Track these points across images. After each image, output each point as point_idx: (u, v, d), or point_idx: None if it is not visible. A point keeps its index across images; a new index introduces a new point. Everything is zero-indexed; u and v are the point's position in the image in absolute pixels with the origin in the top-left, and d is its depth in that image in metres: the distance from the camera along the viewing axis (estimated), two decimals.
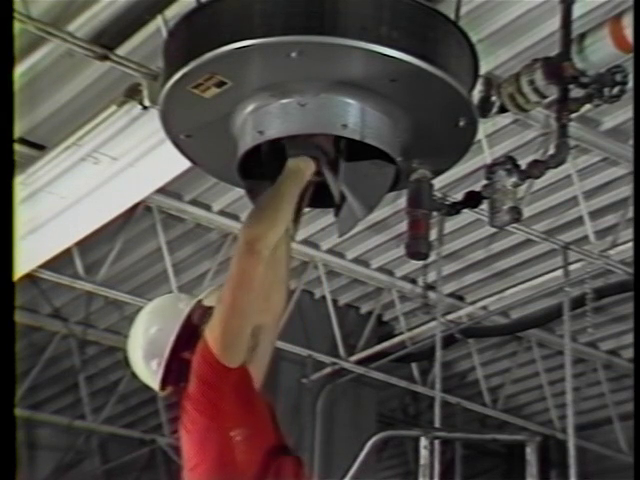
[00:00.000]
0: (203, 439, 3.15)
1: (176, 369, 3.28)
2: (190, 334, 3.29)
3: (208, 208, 8.49)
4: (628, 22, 3.91)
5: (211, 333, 3.11)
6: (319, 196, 3.31)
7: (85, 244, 8.01)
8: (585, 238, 8.00)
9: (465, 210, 3.57)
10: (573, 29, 3.80)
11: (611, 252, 7.93)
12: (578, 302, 8.55)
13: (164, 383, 3.32)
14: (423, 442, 5.07)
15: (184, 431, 3.23)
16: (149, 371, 3.33)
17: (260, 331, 3.30)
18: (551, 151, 3.67)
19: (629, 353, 10.28)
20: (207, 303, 3.43)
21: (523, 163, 3.51)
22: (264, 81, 3.17)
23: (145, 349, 3.33)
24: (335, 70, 3.11)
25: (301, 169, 3.21)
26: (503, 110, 3.88)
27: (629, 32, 3.89)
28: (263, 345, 3.34)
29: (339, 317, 9.69)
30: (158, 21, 5.90)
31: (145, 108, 5.89)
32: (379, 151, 3.22)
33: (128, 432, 11.53)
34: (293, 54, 3.02)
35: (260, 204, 3.19)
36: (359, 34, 3.02)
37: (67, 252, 7.90)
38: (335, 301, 9.78)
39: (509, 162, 3.46)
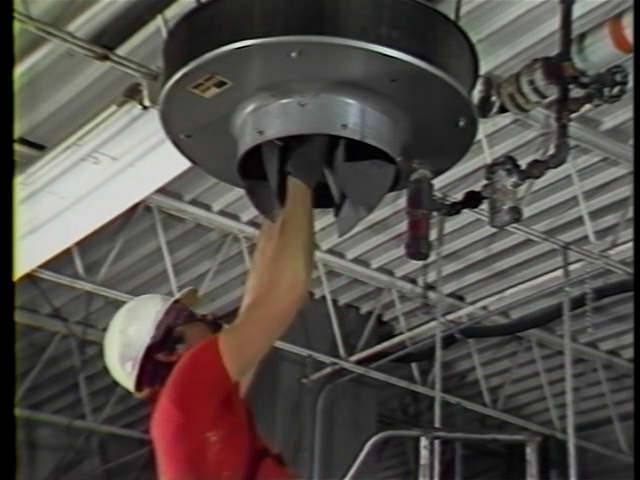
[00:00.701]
0: (176, 436, 3.09)
1: (150, 371, 3.25)
2: (166, 336, 3.26)
3: (208, 208, 8.50)
4: (628, 22, 3.90)
5: (231, 341, 3.05)
6: (319, 196, 3.31)
7: (85, 244, 8.02)
8: (585, 238, 8.00)
9: (465, 210, 3.57)
10: (573, 29, 3.80)
11: (611, 252, 7.93)
12: (578, 302, 8.55)
13: (139, 385, 3.29)
14: (423, 442, 5.07)
15: (157, 428, 3.18)
16: (124, 373, 3.30)
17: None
18: (551, 151, 3.66)
19: (629, 353, 10.28)
20: (183, 304, 3.40)
21: (523, 163, 3.51)
22: (264, 81, 3.17)
23: (120, 351, 3.29)
24: (335, 70, 3.11)
25: (305, 190, 3.18)
26: (503, 110, 3.88)
27: (629, 32, 3.88)
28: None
29: (339, 317, 9.69)
30: (158, 21, 5.90)
31: (145, 108, 5.89)
32: (379, 151, 3.22)
33: (128, 432, 11.53)
34: (293, 54, 3.01)
35: (300, 241, 3.08)
36: (359, 34, 3.02)
37: (67, 252, 7.90)
38: (335, 301, 9.78)
39: (509, 162, 3.45)
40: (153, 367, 3.25)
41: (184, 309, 3.37)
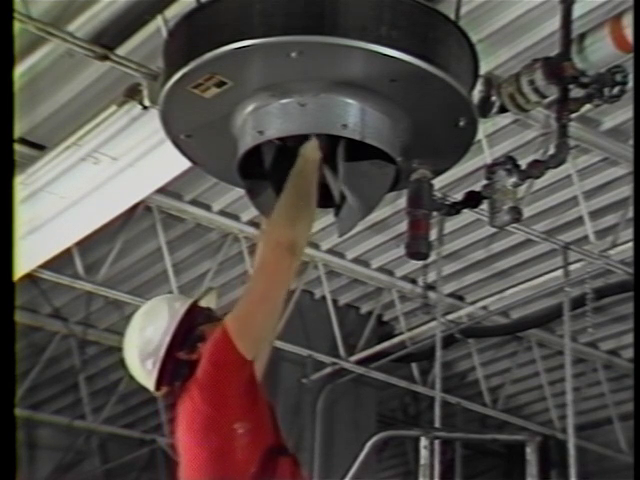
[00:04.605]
0: (205, 429, 3.14)
1: (171, 369, 3.27)
2: (186, 334, 3.28)
3: (208, 208, 8.49)
4: (628, 22, 3.91)
5: (235, 323, 3.11)
6: (319, 196, 3.31)
7: (85, 244, 8.01)
8: (585, 238, 8.00)
9: (465, 210, 3.58)
10: (573, 29, 3.80)
11: (611, 252, 7.93)
12: (578, 302, 8.54)
13: (159, 383, 3.31)
14: (423, 442, 5.07)
15: (184, 422, 3.22)
16: (144, 371, 3.32)
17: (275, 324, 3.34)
18: (551, 151, 3.67)
19: (629, 353, 10.28)
20: (203, 304, 3.43)
21: (523, 163, 3.51)
22: (264, 81, 3.17)
23: (141, 349, 3.32)
24: (335, 70, 3.12)
25: (314, 155, 3.22)
26: (503, 110, 3.88)
27: (629, 32, 3.89)
28: (264, 346, 3.35)
29: (339, 317, 9.69)
30: (158, 21, 5.90)
31: (145, 108, 5.89)
32: (379, 151, 3.22)
33: (128, 432, 11.53)
34: (293, 54, 3.02)
35: (289, 201, 3.16)
36: (359, 34, 3.02)
37: (67, 252, 7.90)
38: (335, 301, 9.78)
39: (509, 162, 3.46)
40: (174, 365, 3.27)
41: (204, 308, 3.40)
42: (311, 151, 3.23)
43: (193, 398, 3.18)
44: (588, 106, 3.68)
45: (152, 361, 3.28)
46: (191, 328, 3.30)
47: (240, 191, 3.57)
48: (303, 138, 3.24)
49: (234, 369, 3.10)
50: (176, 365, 3.26)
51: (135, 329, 3.38)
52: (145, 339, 3.32)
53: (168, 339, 3.27)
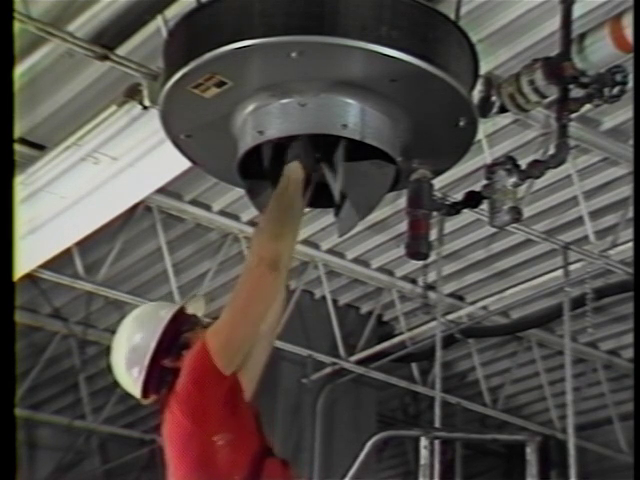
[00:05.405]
0: (185, 442, 3.14)
1: (157, 376, 3.26)
2: (172, 342, 3.27)
3: (208, 208, 8.49)
4: (628, 22, 3.91)
5: (215, 339, 3.08)
6: (319, 196, 3.31)
7: (85, 244, 8.01)
8: (585, 238, 8.00)
9: (465, 210, 3.58)
10: (573, 29, 3.80)
11: (611, 252, 7.93)
12: (578, 302, 8.54)
13: (145, 391, 3.30)
14: (423, 442, 5.08)
15: (166, 434, 3.22)
16: (131, 379, 3.31)
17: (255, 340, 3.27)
18: (551, 151, 3.67)
19: (629, 353, 10.28)
20: (189, 311, 3.42)
21: (523, 163, 3.51)
22: (264, 81, 3.17)
23: (127, 357, 3.31)
24: (335, 70, 3.11)
25: (297, 175, 3.19)
26: (503, 110, 3.89)
27: (629, 32, 3.89)
28: (257, 354, 3.30)
29: (339, 317, 9.69)
30: (158, 21, 5.90)
31: (145, 108, 5.89)
32: (379, 151, 3.22)
33: (128, 432, 11.53)
34: (293, 54, 3.02)
35: (273, 217, 3.12)
36: (359, 34, 3.02)
37: (67, 252, 7.90)
38: (335, 301, 9.78)
39: (509, 162, 3.46)
40: (159, 373, 3.26)
41: (190, 315, 3.39)
42: (295, 171, 3.19)
43: (173, 410, 3.17)
44: (588, 106, 3.68)
45: (138, 369, 3.27)
46: (176, 336, 3.28)
47: (240, 191, 3.57)
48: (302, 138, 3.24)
49: (212, 384, 3.07)
50: (162, 373, 3.25)
51: (122, 337, 3.37)
52: (131, 347, 3.31)
53: (153, 346, 3.26)
